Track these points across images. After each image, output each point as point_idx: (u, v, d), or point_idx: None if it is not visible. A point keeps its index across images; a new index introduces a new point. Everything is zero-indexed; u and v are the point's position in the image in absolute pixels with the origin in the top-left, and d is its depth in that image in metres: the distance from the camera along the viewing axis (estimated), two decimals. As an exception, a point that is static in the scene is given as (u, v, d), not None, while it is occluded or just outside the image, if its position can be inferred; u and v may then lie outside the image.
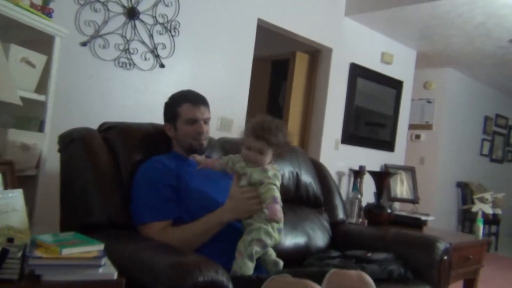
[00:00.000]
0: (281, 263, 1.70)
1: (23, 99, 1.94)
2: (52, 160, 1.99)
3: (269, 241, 1.61)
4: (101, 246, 1.16)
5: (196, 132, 1.78)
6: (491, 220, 6.24)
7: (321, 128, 4.34)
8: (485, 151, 7.24)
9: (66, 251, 1.08)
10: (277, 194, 1.59)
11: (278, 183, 1.63)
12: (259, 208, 1.61)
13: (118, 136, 1.82)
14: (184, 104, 1.79)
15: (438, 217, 5.28)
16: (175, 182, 1.69)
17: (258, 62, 4.03)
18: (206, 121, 1.82)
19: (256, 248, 1.58)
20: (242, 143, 1.70)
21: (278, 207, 1.55)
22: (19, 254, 1.04)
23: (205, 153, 1.88)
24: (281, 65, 4.79)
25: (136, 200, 1.68)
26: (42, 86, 2.10)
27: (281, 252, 1.96)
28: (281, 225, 1.68)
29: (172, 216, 1.66)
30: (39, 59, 2.08)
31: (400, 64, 5.12)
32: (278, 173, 1.67)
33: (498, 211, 6.43)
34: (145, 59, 2.93)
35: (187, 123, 1.78)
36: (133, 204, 1.68)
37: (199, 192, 1.72)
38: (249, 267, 1.56)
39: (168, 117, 1.85)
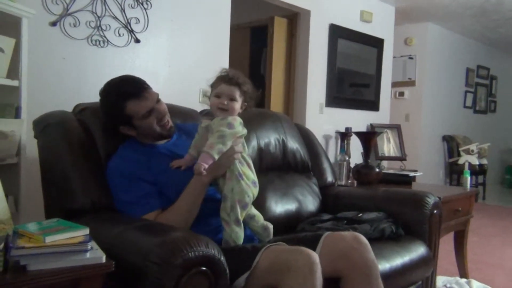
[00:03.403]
0: (270, 225, 1.68)
1: (-5, 85, 1.90)
2: (32, 146, 1.92)
3: (247, 198, 1.58)
4: (86, 231, 1.13)
5: (157, 119, 1.66)
6: (478, 171, 6.35)
7: (305, 93, 4.31)
8: (469, 103, 7.29)
9: (50, 239, 1.05)
10: (216, 144, 1.50)
11: (228, 131, 1.53)
12: (232, 160, 1.57)
13: (93, 117, 1.76)
14: (128, 103, 1.60)
15: (426, 172, 5.35)
16: (149, 176, 1.60)
17: (236, 30, 3.95)
18: (158, 101, 1.68)
19: (239, 210, 1.55)
20: (210, 96, 1.63)
21: (206, 158, 1.48)
22: (1, 246, 1.01)
23: (175, 131, 1.78)
24: (260, 31, 4.70)
25: (117, 198, 1.60)
26: (13, 71, 2.04)
27: (273, 220, 1.96)
28: (255, 177, 1.65)
29: (158, 207, 1.59)
30: (7, 43, 2.00)
31: (380, 22, 5.06)
32: (237, 122, 1.58)
33: (484, 161, 6.54)
34: (119, 35, 2.85)
35: (143, 118, 1.63)
36: (116, 202, 1.60)
37: (174, 180, 1.62)
38: (239, 233, 1.55)
39: (119, 121, 1.66)
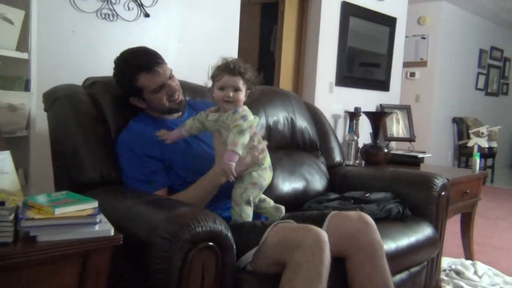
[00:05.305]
0: (282, 207, 1.68)
1: (4, 58, 1.89)
2: (42, 119, 1.94)
3: (264, 182, 1.60)
4: (95, 204, 1.14)
5: (167, 95, 1.65)
6: (487, 154, 6.30)
7: (315, 71, 4.26)
8: (481, 85, 7.20)
9: (59, 211, 1.06)
10: (238, 140, 1.49)
11: (245, 124, 1.51)
12: (257, 160, 1.58)
13: (103, 91, 1.76)
14: (140, 76, 1.61)
15: (435, 154, 5.32)
16: (157, 153, 1.61)
17: (247, 6, 3.90)
18: (171, 77, 1.67)
19: (253, 193, 1.57)
20: (212, 88, 1.61)
21: (231, 156, 1.48)
22: (11, 217, 1.02)
23: (185, 106, 1.78)
24: (270, 8, 4.64)
25: (125, 173, 1.62)
26: (23, 43, 2.02)
27: (280, 198, 1.97)
28: (269, 161, 1.65)
29: (164, 185, 1.61)
30: (17, 15, 1.99)
31: (393, 0, 4.97)
32: (249, 112, 1.57)
33: (494, 144, 6.49)
34: (129, 9, 2.82)
35: (154, 92, 1.63)
36: (124, 177, 1.62)
37: (184, 156, 1.64)
38: (248, 213, 1.56)
39: (129, 92, 1.68)
